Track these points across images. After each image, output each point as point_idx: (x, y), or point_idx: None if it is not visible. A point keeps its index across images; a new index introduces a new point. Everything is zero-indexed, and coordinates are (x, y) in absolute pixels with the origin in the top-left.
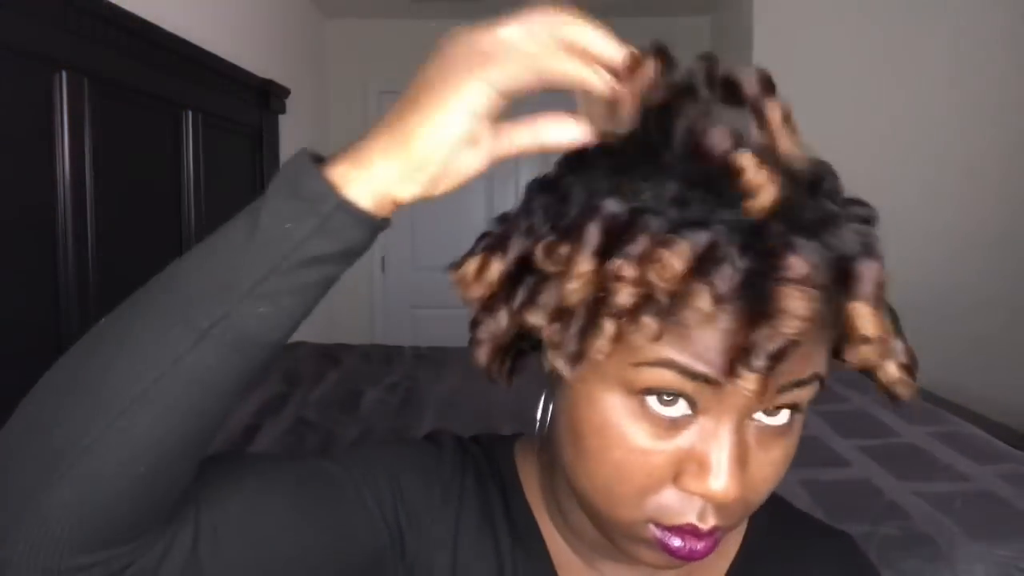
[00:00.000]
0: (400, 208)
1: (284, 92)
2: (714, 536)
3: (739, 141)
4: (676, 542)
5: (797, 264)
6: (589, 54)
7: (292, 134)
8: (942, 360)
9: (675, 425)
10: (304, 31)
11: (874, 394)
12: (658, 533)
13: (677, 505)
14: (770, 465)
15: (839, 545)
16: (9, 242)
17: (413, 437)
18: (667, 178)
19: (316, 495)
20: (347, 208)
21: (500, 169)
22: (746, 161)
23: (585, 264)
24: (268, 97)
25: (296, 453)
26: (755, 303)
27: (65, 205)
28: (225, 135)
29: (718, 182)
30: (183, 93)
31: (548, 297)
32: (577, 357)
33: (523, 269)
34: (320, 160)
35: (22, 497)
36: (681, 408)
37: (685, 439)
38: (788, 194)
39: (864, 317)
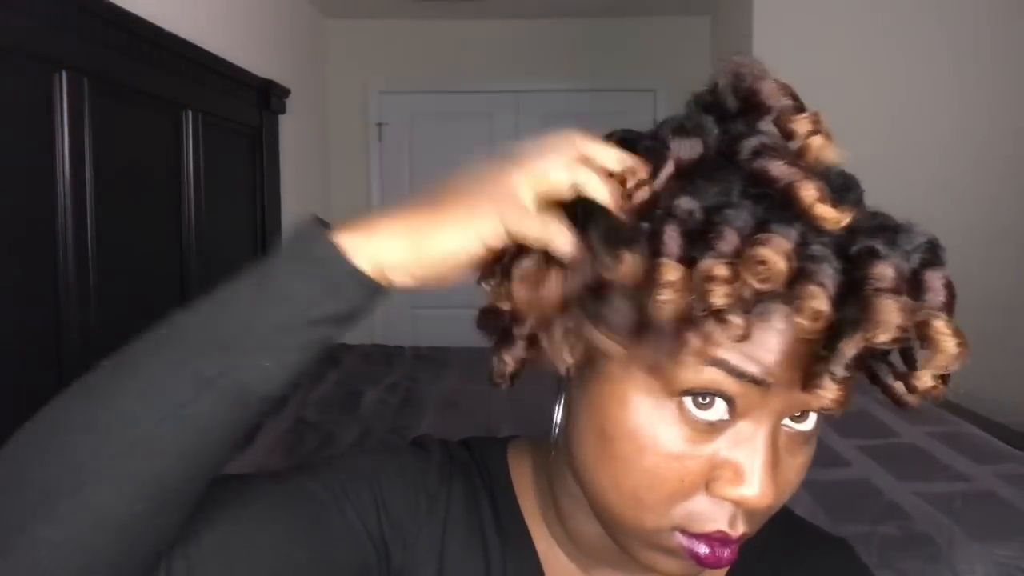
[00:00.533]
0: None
1: (284, 92)
2: (739, 543)
3: (799, 165)
4: (704, 549)
5: (887, 273)
6: (602, 168)
7: (292, 134)
8: None
9: (712, 429)
10: (304, 31)
11: (874, 394)
12: (685, 541)
13: (708, 512)
14: (795, 471)
15: (837, 553)
16: (9, 243)
17: (399, 444)
18: (732, 177)
19: (295, 517)
20: (356, 274)
21: None
22: (809, 195)
23: (672, 272)
24: (268, 97)
25: (276, 470)
26: (847, 310)
27: (65, 205)
28: (225, 135)
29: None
30: (183, 93)
31: (622, 313)
32: (658, 367)
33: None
34: (326, 225)
35: (13, 530)
36: (719, 411)
37: (720, 444)
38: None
39: (943, 332)
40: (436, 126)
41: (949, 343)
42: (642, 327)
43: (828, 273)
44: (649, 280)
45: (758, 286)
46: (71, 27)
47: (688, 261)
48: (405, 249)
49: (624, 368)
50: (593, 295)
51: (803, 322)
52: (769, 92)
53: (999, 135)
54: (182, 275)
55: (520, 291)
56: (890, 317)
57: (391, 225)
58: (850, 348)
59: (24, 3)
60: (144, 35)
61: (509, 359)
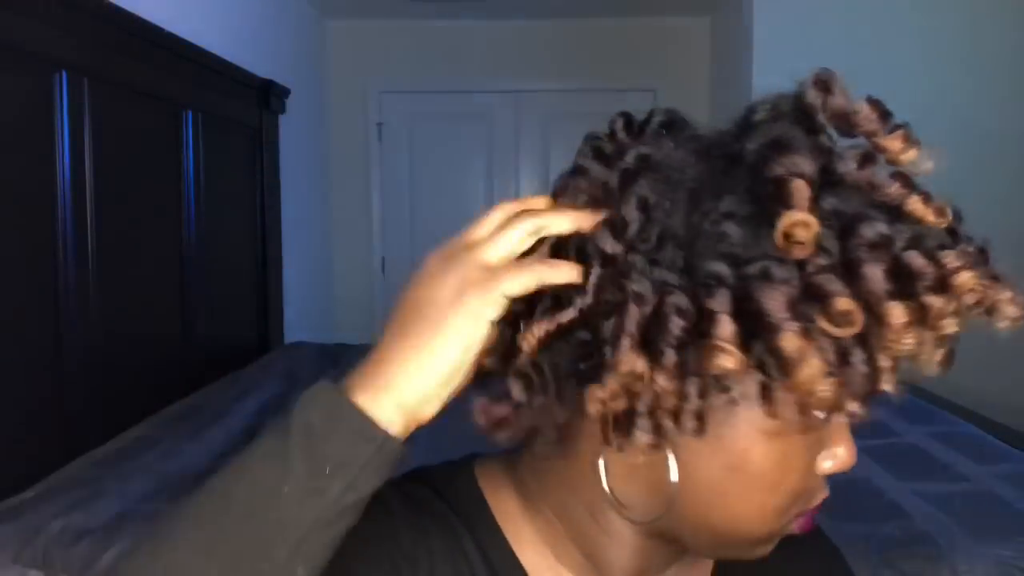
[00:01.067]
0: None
1: (284, 92)
2: None
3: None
4: (807, 519)
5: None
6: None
7: (292, 134)
8: None
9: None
10: (304, 31)
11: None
12: (799, 522)
13: (815, 488)
14: None
15: (821, 549)
16: (9, 242)
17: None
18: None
19: None
20: (397, 442)
21: (501, 169)
22: (918, 208)
23: (899, 315)
24: (268, 97)
25: None
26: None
27: (65, 205)
28: (225, 135)
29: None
30: (183, 93)
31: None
32: (872, 393)
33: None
34: (339, 387)
35: None
36: None
37: (824, 435)
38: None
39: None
40: (436, 126)
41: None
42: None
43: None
44: (880, 323)
45: (973, 305)
46: (71, 27)
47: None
48: (423, 381)
49: (752, 407)
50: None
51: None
52: (865, 115)
53: (999, 135)
54: (182, 275)
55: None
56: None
57: (397, 365)
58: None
59: (24, 3)
60: (144, 35)
61: (647, 439)
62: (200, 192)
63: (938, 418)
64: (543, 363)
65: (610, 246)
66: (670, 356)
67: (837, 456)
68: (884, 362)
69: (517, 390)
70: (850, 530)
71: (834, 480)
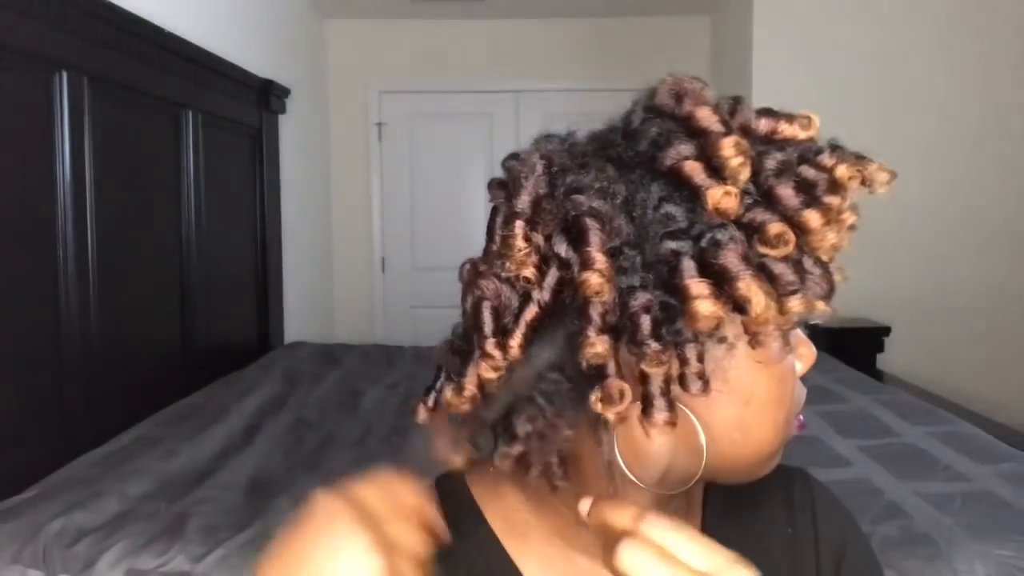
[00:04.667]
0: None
1: (284, 92)
2: None
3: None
4: (800, 419)
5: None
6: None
7: (292, 134)
8: (943, 359)
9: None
10: (304, 31)
11: (874, 394)
12: (796, 423)
13: (799, 391)
14: None
15: (794, 474)
16: (9, 242)
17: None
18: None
19: None
20: None
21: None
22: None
23: (815, 219)
24: (268, 97)
25: None
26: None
27: (65, 205)
28: (225, 135)
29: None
30: (183, 93)
31: (789, 272)
32: (831, 293)
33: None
34: None
35: None
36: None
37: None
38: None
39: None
40: (436, 126)
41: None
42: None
43: (863, 157)
44: (804, 233)
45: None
46: (71, 27)
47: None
48: None
49: (742, 343)
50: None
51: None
52: (703, 117)
53: (997, 134)
54: (182, 275)
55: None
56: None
57: None
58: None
59: (24, 3)
60: (144, 35)
61: (663, 416)
62: (200, 192)
63: (938, 418)
64: (534, 394)
65: (564, 250)
66: (652, 346)
67: (803, 356)
68: (826, 260)
69: (521, 423)
70: None
71: (835, 480)
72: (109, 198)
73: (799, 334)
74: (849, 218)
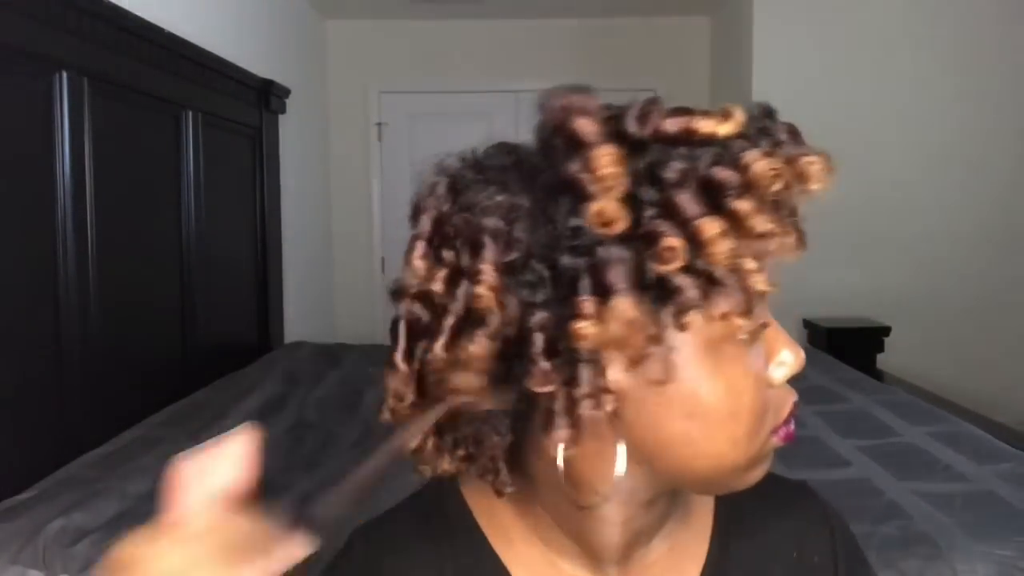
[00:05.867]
0: None
1: (284, 92)
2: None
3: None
4: (790, 427)
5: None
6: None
7: (292, 134)
8: (943, 359)
9: (760, 337)
10: (304, 31)
11: (874, 394)
12: (779, 435)
13: (780, 398)
14: None
15: (803, 496)
16: (9, 242)
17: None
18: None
19: None
20: None
21: None
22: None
23: (711, 228)
24: (268, 97)
25: None
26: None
27: (65, 205)
28: (225, 135)
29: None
30: (183, 93)
31: (693, 288)
32: (749, 307)
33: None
34: None
35: None
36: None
37: (762, 345)
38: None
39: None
40: (436, 126)
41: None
42: (712, 287)
43: (797, 148)
44: (698, 244)
45: (774, 191)
46: (71, 27)
47: (714, 214)
48: None
49: (694, 348)
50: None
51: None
52: (581, 129)
53: (998, 134)
54: (182, 275)
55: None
56: (813, 169)
57: None
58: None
59: (24, 3)
60: (144, 35)
61: (566, 433)
62: (200, 192)
63: (938, 418)
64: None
65: (466, 264)
66: (540, 366)
67: (784, 361)
68: (748, 264)
69: (459, 428)
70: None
71: (835, 480)
72: (109, 198)
73: (781, 338)
74: (762, 224)
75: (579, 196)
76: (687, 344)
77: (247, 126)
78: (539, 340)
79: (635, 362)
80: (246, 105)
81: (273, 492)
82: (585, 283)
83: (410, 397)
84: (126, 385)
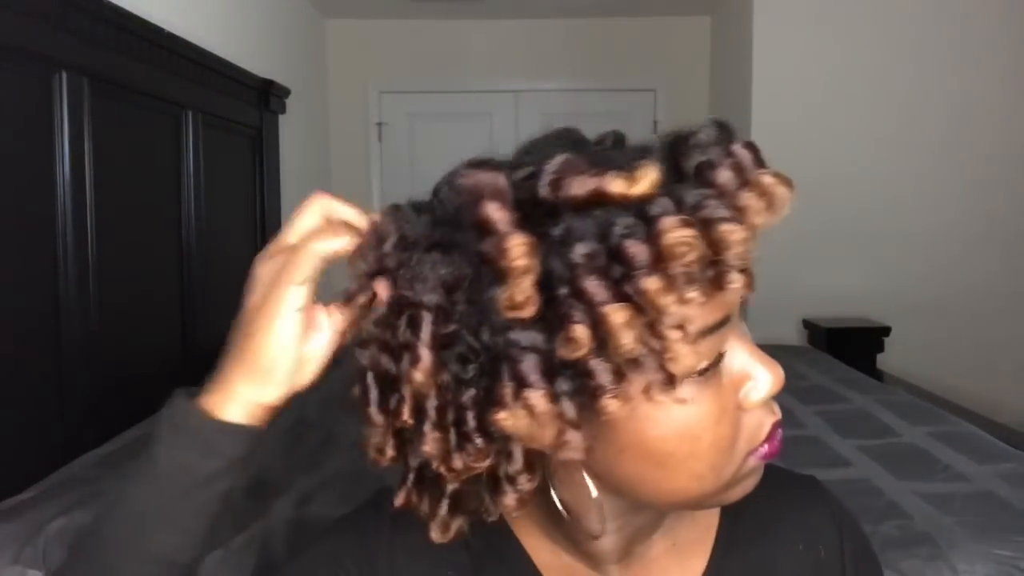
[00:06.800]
0: (277, 410)
1: (284, 92)
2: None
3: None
4: (768, 447)
5: (724, 174)
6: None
7: (292, 134)
8: (943, 359)
9: (715, 373)
10: (304, 31)
11: (874, 394)
12: (757, 455)
13: (757, 420)
14: (747, 332)
15: (811, 491)
16: (9, 242)
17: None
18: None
19: None
20: (224, 429)
21: None
22: (619, 184)
23: (620, 313)
24: (268, 97)
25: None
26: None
27: (65, 205)
28: (225, 135)
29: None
30: (183, 93)
31: (605, 372)
32: (670, 381)
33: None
34: (195, 395)
35: None
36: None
37: (726, 376)
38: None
39: (770, 181)
40: (436, 126)
41: (781, 189)
42: (630, 368)
43: (718, 207)
44: (604, 332)
45: (686, 263)
46: (71, 27)
47: (622, 296)
48: (251, 374)
49: (630, 404)
50: (573, 385)
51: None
52: (489, 216)
53: (998, 134)
54: (182, 275)
55: (523, 430)
56: (753, 204)
57: (231, 365)
58: (737, 244)
59: (24, 3)
60: (144, 35)
61: (515, 499)
62: (200, 192)
63: (938, 418)
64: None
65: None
66: (476, 443)
67: (759, 384)
68: (671, 337)
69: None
70: None
71: (834, 480)
72: (109, 198)
73: (755, 358)
74: (673, 304)
75: (494, 274)
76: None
77: (247, 126)
78: (471, 418)
79: (555, 447)
80: (246, 105)
81: (273, 492)
82: (503, 368)
83: (390, 452)
84: (126, 385)
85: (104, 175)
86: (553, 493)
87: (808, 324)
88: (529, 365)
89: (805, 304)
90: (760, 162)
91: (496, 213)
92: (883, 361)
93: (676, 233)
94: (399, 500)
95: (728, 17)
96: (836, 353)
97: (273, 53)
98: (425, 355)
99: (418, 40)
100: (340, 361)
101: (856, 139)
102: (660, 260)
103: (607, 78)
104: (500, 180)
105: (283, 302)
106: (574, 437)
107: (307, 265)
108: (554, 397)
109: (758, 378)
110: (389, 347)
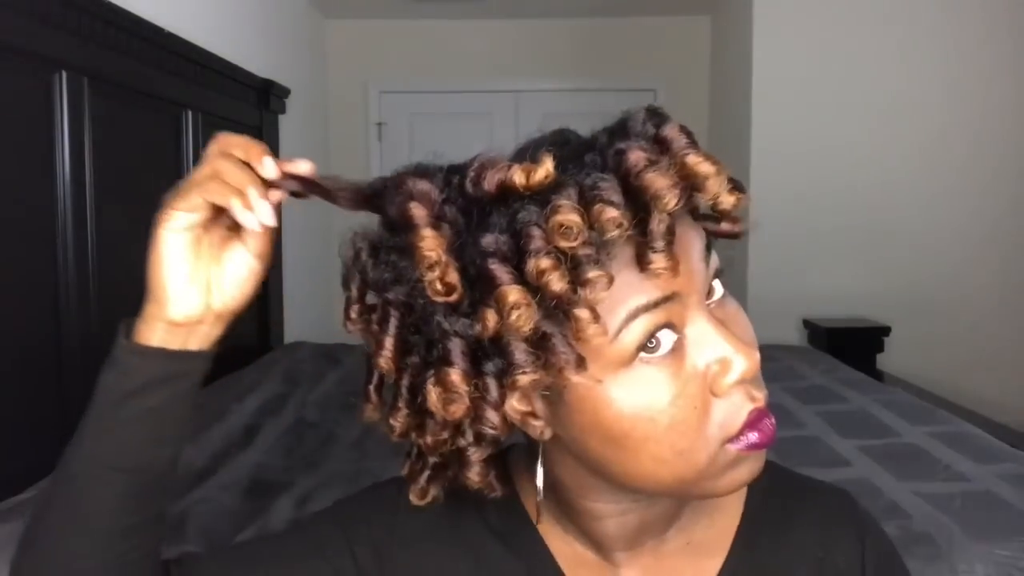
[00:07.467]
0: (196, 327)
1: (284, 92)
2: (768, 405)
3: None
4: (755, 435)
5: (639, 155)
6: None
7: (292, 134)
8: (943, 359)
9: (677, 355)
10: (304, 31)
11: (874, 394)
12: (737, 444)
13: (731, 408)
14: (741, 321)
15: (837, 501)
16: (9, 242)
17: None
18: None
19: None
20: (135, 350)
21: None
22: (522, 176)
23: (514, 293)
24: (268, 97)
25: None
26: (637, 206)
27: (65, 205)
28: None
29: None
30: (183, 93)
31: (520, 351)
32: (580, 361)
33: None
34: (131, 325)
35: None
36: (668, 340)
37: (691, 359)
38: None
39: (697, 162)
40: (436, 126)
41: (705, 167)
42: (539, 344)
43: (608, 190)
44: (504, 311)
45: (572, 245)
46: (71, 27)
47: (521, 279)
48: (152, 296)
49: (575, 382)
50: (495, 368)
51: (611, 232)
52: (410, 213)
53: (997, 134)
54: None
55: (447, 409)
56: (660, 183)
57: (146, 294)
58: (659, 224)
59: (24, 3)
60: (144, 35)
61: (476, 473)
62: None
63: (938, 418)
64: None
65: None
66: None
67: (730, 366)
68: (580, 316)
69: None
70: None
71: (835, 480)
72: (109, 198)
73: (728, 342)
74: (557, 283)
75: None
76: (579, 381)
77: (247, 126)
78: (433, 396)
79: (476, 422)
80: (246, 105)
81: (273, 492)
82: (435, 351)
83: (397, 428)
84: None
85: (104, 175)
86: (539, 471)
87: (808, 324)
88: (453, 344)
89: (805, 304)
90: (692, 144)
91: (416, 211)
92: (883, 361)
93: (558, 216)
94: (404, 469)
95: (728, 17)
96: (836, 353)
97: (273, 53)
98: (387, 343)
99: (418, 40)
100: (340, 360)
101: (856, 139)
102: (550, 242)
103: (607, 78)
104: (423, 183)
105: (162, 224)
106: (500, 416)
107: (191, 196)
108: (472, 376)
109: (730, 364)
110: (371, 337)
